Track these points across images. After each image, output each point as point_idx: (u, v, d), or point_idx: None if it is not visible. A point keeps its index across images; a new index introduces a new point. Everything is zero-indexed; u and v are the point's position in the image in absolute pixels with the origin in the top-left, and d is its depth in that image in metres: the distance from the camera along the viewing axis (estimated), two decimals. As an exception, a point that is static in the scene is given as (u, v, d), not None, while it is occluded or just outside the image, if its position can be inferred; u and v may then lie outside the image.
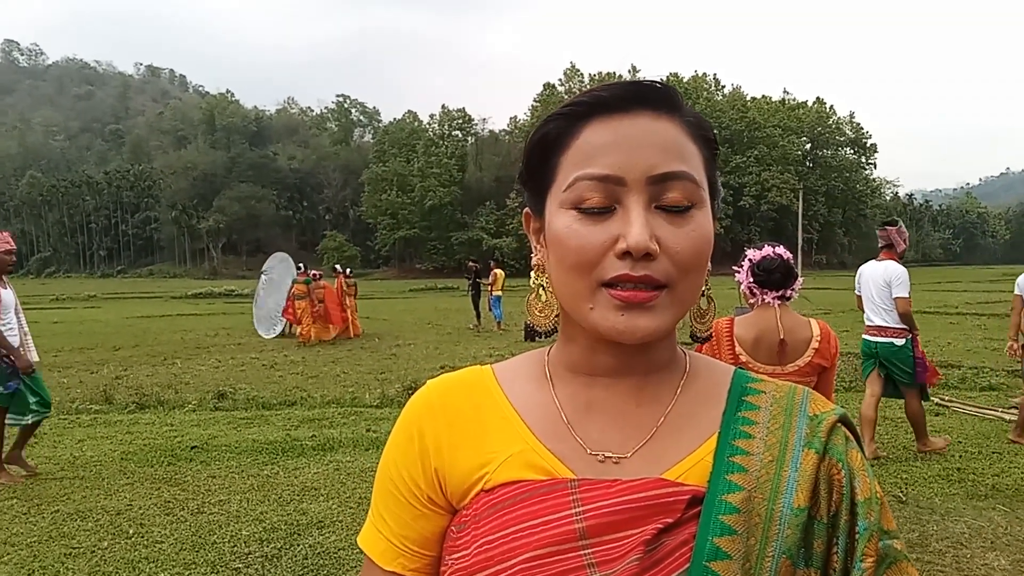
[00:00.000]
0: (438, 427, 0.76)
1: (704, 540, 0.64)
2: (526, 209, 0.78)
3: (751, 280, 2.93)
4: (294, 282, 15.73)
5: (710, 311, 0.80)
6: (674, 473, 0.69)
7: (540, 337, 0.79)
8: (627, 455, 0.71)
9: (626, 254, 0.64)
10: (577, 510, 0.66)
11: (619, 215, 0.66)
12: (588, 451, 0.71)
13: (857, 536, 0.66)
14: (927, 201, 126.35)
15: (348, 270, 18.68)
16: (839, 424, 0.72)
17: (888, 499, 4.65)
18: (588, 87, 0.72)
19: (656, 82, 0.70)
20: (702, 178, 0.69)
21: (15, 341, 5.35)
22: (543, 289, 0.79)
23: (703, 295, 0.77)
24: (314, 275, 16.36)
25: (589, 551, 0.65)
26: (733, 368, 0.79)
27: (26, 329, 5.61)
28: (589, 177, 0.66)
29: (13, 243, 5.51)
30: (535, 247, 0.77)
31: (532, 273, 0.80)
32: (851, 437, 0.72)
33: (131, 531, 4.36)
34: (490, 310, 17.84)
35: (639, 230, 0.64)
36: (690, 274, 0.67)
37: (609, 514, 0.66)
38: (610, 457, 0.71)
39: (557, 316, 0.78)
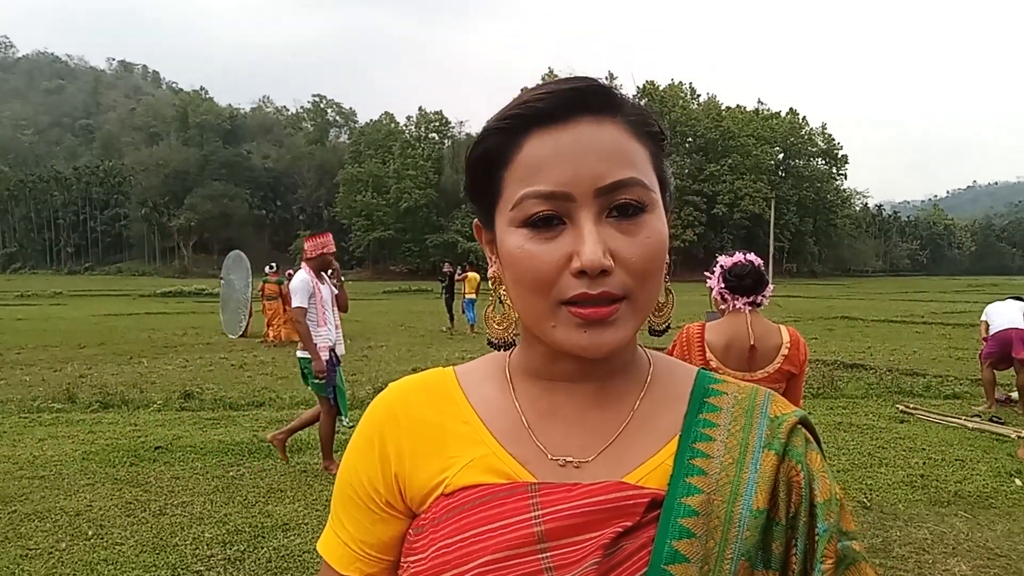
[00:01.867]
0: (399, 432, 0.75)
1: (663, 543, 0.63)
2: (476, 221, 0.76)
3: (723, 286, 2.94)
4: (264, 281, 15.52)
5: (668, 303, 0.78)
6: (635, 477, 0.68)
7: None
8: (588, 459, 0.70)
9: (581, 272, 0.63)
10: (536, 514, 0.66)
11: (570, 231, 0.64)
12: (549, 456, 0.71)
13: (817, 537, 0.65)
14: (895, 212, 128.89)
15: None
16: (799, 426, 0.71)
17: (853, 505, 4.71)
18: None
19: (593, 81, 0.67)
20: (652, 179, 0.67)
21: (332, 337, 5.56)
22: (500, 301, 0.77)
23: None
24: (288, 274, 16.16)
25: (547, 555, 0.64)
26: (696, 369, 0.79)
27: (338, 322, 5.80)
28: (535, 195, 0.64)
29: (333, 245, 5.73)
30: (490, 258, 0.75)
31: (491, 284, 0.78)
32: (811, 439, 0.72)
33: (90, 532, 4.26)
34: (463, 313, 17.81)
35: (591, 248, 0.62)
36: (647, 281, 0.66)
37: (568, 517, 0.65)
38: (571, 461, 0.70)
39: (516, 328, 0.76)
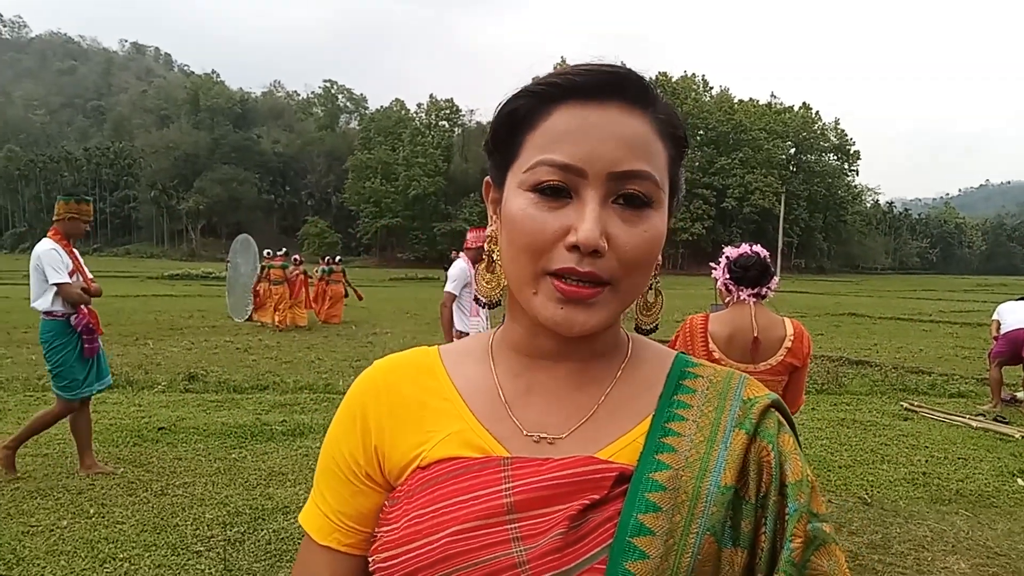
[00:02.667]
0: (380, 407, 0.77)
1: (628, 516, 0.64)
2: (487, 178, 0.77)
3: (728, 277, 2.93)
4: (268, 267, 15.51)
5: (657, 304, 0.80)
6: (606, 453, 0.70)
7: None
8: (562, 436, 0.71)
9: (574, 247, 0.64)
10: (507, 486, 0.67)
11: (574, 206, 0.66)
12: (524, 432, 0.72)
13: (787, 517, 0.66)
14: (906, 210, 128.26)
15: (339, 258, 18.67)
16: (772, 408, 0.72)
17: (854, 501, 4.70)
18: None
19: (633, 72, 0.69)
20: (663, 178, 0.69)
21: (482, 327, 5.63)
22: (492, 260, 0.79)
23: (651, 288, 0.78)
24: (295, 259, 16.19)
25: (515, 525, 0.65)
26: (675, 353, 0.80)
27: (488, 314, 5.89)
28: (551, 163, 0.66)
29: (482, 239, 5.69)
30: (491, 217, 0.77)
31: (487, 244, 0.79)
32: (784, 422, 0.73)
33: (92, 511, 4.29)
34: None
35: (590, 226, 0.63)
36: (635, 273, 0.67)
37: (537, 490, 0.66)
38: (545, 438, 0.72)
39: (503, 290, 0.77)
